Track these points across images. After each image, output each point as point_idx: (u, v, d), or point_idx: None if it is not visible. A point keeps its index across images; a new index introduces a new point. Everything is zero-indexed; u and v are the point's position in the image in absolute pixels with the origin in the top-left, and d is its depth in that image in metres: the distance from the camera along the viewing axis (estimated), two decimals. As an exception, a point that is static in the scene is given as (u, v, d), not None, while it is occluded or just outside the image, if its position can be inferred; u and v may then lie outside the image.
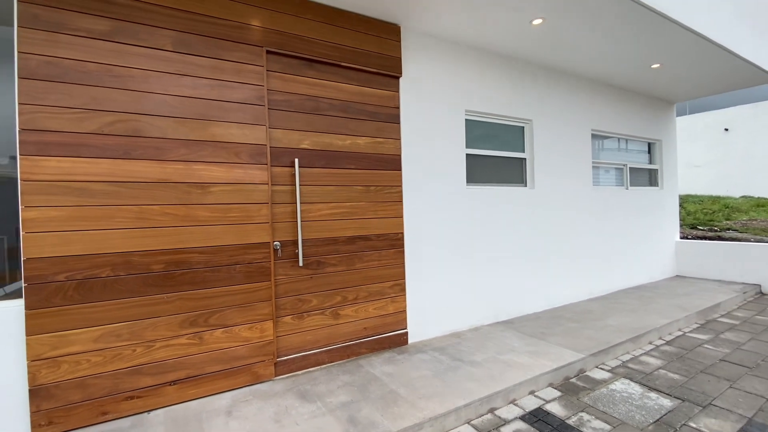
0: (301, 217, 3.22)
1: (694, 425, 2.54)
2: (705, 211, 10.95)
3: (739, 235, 7.47)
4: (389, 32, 3.68)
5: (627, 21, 3.84)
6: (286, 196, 3.19)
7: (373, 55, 3.57)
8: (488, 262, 4.46)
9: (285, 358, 3.17)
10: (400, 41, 3.74)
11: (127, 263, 2.61)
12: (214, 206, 2.87)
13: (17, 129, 2.34)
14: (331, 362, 3.37)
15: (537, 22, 3.79)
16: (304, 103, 3.27)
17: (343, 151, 3.45)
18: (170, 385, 2.74)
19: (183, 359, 2.78)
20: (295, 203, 3.20)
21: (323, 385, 2.97)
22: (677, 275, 6.94)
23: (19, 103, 2.34)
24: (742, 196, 16.49)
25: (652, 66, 5.12)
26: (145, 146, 2.66)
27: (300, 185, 3.22)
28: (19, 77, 2.34)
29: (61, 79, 2.44)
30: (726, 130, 24.12)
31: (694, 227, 8.57)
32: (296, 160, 3.17)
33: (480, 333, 4.10)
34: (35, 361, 2.39)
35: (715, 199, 13.78)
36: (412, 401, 2.69)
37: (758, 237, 7.25)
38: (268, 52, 3.10)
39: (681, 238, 7.40)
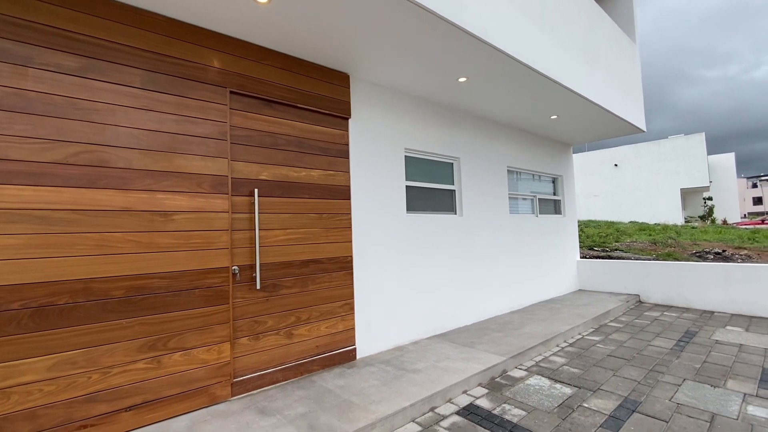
0: (260, 243, 3.48)
1: (586, 405, 3.22)
2: (601, 234, 12.90)
3: (623, 254, 9.04)
4: (340, 79, 4.18)
5: (527, 83, 4.80)
6: (245, 223, 3.43)
7: (326, 99, 4.03)
8: (426, 282, 5.01)
9: (241, 378, 3.32)
10: (349, 87, 4.26)
11: (86, 290, 2.65)
12: (176, 233, 3.03)
13: (-22, 158, 2.36)
14: (286, 380, 3.57)
15: (462, 80, 4.58)
16: (264, 139, 3.60)
17: (298, 182, 3.80)
18: (126, 411, 2.77)
19: (140, 384, 2.83)
20: (254, 230, 3.45)
21: (280, 401, 3.18)
22: (579, 289, 8.17)
23: (-19, 133, 2.37)
24: (630, 222, 19.53)
25: (551, 117, 6.28)
26: (110, 176, 2.78)
27: (259, 213, 3.49)
28: (-17, 108, 2.39)
29: (27, 110, 2.52)
30: (615, 165, 28.62)
31: (591, 248, 10.13)
32: (256, 190, 3.45)
33: (420, 345, 4.57)
34: (-23, 395, 2.33)
35: (610, 224, 16.23)
36: (365, 406, 3.03)
37: (637, 255, 8.85)
38: (231, 92, 3.41)
39: (581, 257, 8.73)
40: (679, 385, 3.56)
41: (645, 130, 7.20)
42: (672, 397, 3.34)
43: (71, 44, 2.69)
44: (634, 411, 3.11)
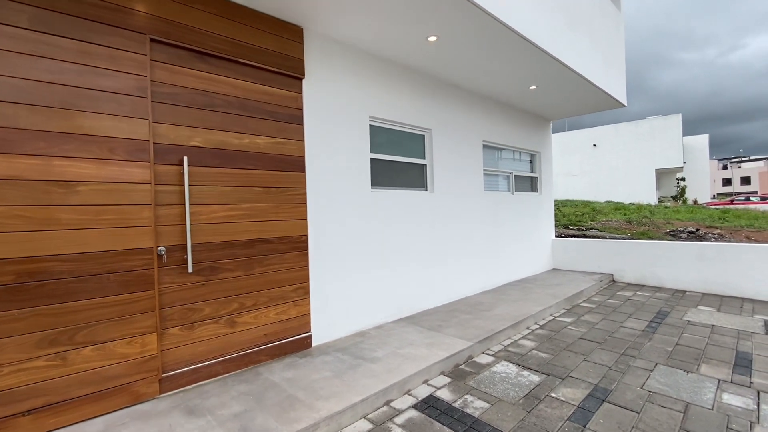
0: (191, 220, 3.02)
1: (554, 395, 2.98)
2: (577, 213, 12.85)
3: (598, 233, 8.94)
4: (291, 33, 3.65)
5: (504, 46, 4.37)
6: (173, 197, 2.95)
7: (274, 54, 3.50)
8: (391, 262, 4.66)
9: (172, 372, 2.92)
10: (302, 42, 3.73)
11: (-42, 276, 2.17)
12: (81, 207, 2.53)
13: None
14: (227, 373, 3.20)
15: (432, 38, 4.10)
16: (195, 98, 3.08)
17: (240, 150, 3.31)
18: (24, 415, 2.34)
19: (40, 384, 2.40)
20: (184, 205, 2.98)
21: (215, 398, 2.80)
22: (553, 268, 8.03)
23: None
24: (607, 201, 19.70)
25: (530, 87, 5.89)
26: (-13, 136, 2.24)
27: (189, 185, 3.01)
28: None
29: None
30: (594, 145, 28.76)
31: (566, 227, 10.02)
32: (185, 158, 2.95)
33: (383, 330, 4.26)
34: None
35: (586, 204, 16.28)
36: (310, 403, 2.69)
37: (612, 234, 8.76)
38: (152, 39, 2.85)
39: (556, 236, 8.58)
40: (651, 371, 3.37)
41: (626, 104, 6.91)
42: (644, 384, 3.13)
43: None
44: (604, 401, 2.88)
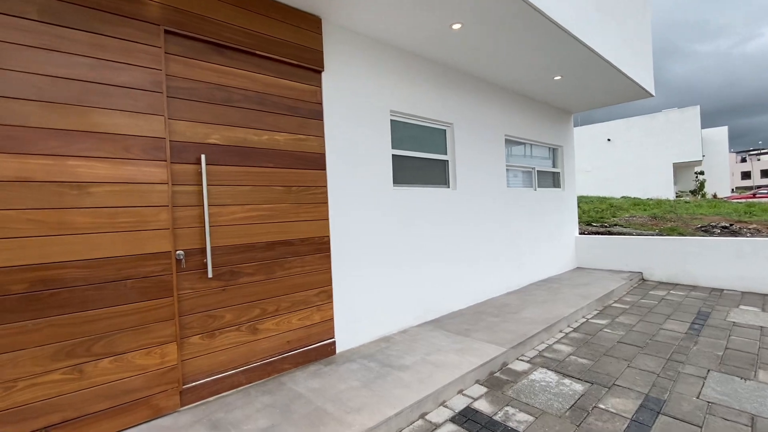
0: (210, 222, 2.85)
1: (603, 406, 2.74)
2: (596, 209, 12.47)
3: (624, 229, 8.60)
4: (309, 23, 3.46)
5: (533, 32, 4.12)
6: (191, 197, 2.79)
7: (292, 46, 3.32)
8: (415, 263, 4.45)
9: (193, 384, 2.76)
10: (321, 34, 3.55)
11: (-32, 285, 2.02)
12: (96, 210, 2.38)
13: None
14: (250, 383, 3.03)
15: (457, 26, 3.88)
16: (213, 93, 2.91)
17: (259, 147, 3.14)
18: (37, 434, 2.19)
19: (57, 399, 2.25)
20: (202, 206, 2.82)
21: (239, 411, 2.63)
22: (578, 267, 7.74)
23: None
24: (622, 197, 19.19)
25: (555, 78, 5.62)
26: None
27: (208, 185, 2.84)
28: None
29: None
30: (609, 140, 28.12)
31: (589, 224, 9.68)
32: (203, 157, 2.79)
33: (409, 335, 4.06)
34: None
35: (602, 200, 15.83)
36: (340, 417, 2.50)
37: (638, 231, 8.42)
38: (166, 31, 2.69)
39: (579, 233, 8.28)
40: (705, 378, 3.11)
41: (654, 94, 6.59)
42: (699, 393, 2.88)
43: None
44: (659, 413, 2.64)
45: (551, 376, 3.24)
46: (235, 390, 2.93)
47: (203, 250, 2.82)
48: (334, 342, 3.59)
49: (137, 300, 2.51)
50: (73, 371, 2.31)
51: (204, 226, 2.81)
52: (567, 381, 3.15)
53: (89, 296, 2.35)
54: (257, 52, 3.11)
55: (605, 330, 4.34)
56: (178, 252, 2.70)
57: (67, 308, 2.28)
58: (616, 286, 5.93)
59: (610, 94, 6.55)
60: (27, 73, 2.20)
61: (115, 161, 2.45)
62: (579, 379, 3.18)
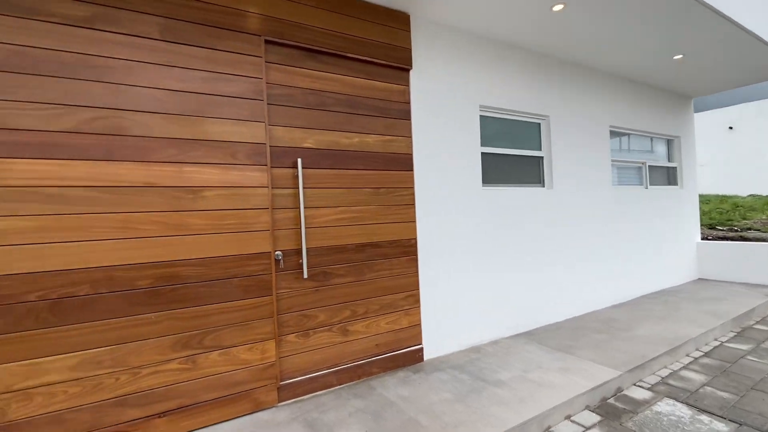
0: (305, 224, 2.91)
1: (761, 457, 2.21)
2: (719, 210, 10.61)
3: (763, 234, 7.13)
4: (398, 21, 3.38)
5: (656, 7, 3.54)
6: (287, 200, 2.87)
7: (381, 46, 3.27)
8: (506, 268, 4.13)
9: (289, 381, 2.84)
10: (409, 31, 3.45)
11: (109, 279, 2.29)
12: (207, 213, 2.55)
13: (-21, 127, 2.04)
14: (340, 384, 3.03)
15: (558, 8, 3.49)
16: (307, 98, 2.97)
17: (350, 150, 3.14)
18: (159, 417, 2.41)
19: (174, 387, 2.45)
20: (298, 208, 2.89)
21: (333, 412, 2.63)
22: (700, 278, 6.60)
23: (-19, 98, 2.04)
24: (750, 195, 16.16)
25: (674, 57, 4.82)
26: (128, 146, 2.35)
27: (303, 188, 2.91)
28: (-19, 68, 2.05)
29: (31, 70, 2.14)
30: (730, 128, 23.86)
31: (712, 227, 8.24)
32: (299, 161, 2.86)
33: (501, 347, 3.76)
34: (4, 393, 2.07)
35: (723, 198, 13.45)
36: (435, 432, 2.36)
37: (783, 237, 6.92)
38: (266, 41, 2.81)
39: (702, 238, 7.06)
40: None
41: (810, 67, 5.32)
42: None
43: (76, -12, 2.25)
44: None
45: (683, 410, 2.72)
46: (327, 390, 2.96)
47: (299, 251, 2.89)
48: (422, 348, 3.46)
49: (241, 297, 2.65)
50: (188, 361, 2.50)
51: (300, 228, 2.88)
52: (705, 418, 2.61)
53: (201, 293, 2.53)
54: (348, 55, 3.11)
55: (748, 357, 3.57)
56: (276, 252, 2.80)
57: (183, 303, 2.48)
58: (756, 304, 4.89)
59: (748, 71, 5.44)
60: (150, 88, 2.43)
61: (224, 167, 2.61)
62: (722, 417, 2.62)
